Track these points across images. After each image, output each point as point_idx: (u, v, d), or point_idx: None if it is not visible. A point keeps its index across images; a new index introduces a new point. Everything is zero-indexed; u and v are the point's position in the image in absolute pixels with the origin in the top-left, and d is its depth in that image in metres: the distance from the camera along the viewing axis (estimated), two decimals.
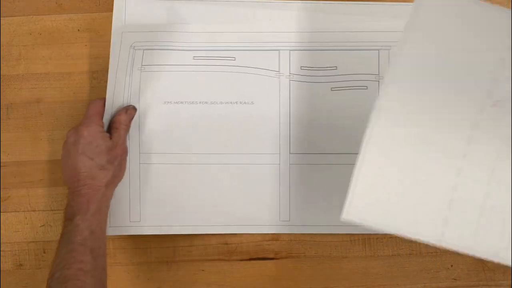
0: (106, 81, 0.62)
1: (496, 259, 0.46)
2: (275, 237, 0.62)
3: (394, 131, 0.46)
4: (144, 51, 0.62)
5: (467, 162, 0.47)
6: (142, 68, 0.62)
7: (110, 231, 0.61)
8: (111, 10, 0.62)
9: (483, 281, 0.62)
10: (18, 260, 0.63)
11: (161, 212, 0.61)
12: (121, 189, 0.61)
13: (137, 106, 0.61)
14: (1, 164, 0.63)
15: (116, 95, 0.61)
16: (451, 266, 0.62)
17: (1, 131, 0.63)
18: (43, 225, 0.63)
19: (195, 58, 0.62)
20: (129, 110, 0.60)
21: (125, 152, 0.59)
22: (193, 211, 0.61)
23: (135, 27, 0.62)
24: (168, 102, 0.61)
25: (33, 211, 0.63)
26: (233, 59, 0.62)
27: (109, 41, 0.62)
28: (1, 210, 0.63)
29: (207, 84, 0.61)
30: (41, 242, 0.63)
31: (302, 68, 0.62)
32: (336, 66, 0.61)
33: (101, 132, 0.57)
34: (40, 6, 0.63)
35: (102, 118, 0.59)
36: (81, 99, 0.63)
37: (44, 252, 0.63)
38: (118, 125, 0.59)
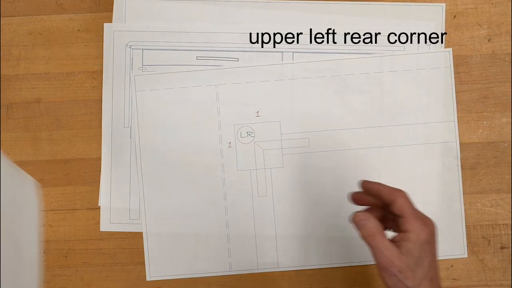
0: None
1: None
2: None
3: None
4: (144, 50, 0.62)
5: (228, 201, 0.61)
6: (143, 68, 0.62)
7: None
8: (111, 10, 0.62)
9: (483, 281, 0.62)
10: None
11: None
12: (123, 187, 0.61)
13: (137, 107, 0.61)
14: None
15: (115, 93, 0.62)
16: (451, 266, 0.62)
17: (1, 131, 0.63)
18: (43, 225, 0.63)
19: (198, 58, 0.62)
20: None
21: None
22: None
23: (132, 26, 0.62)
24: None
25: None
26: (236, 60, 0.62)
27: None
28: None
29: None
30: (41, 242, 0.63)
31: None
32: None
33: None
34: (40, 6, 0.63)
35: None
36: (81, 99, 0.63)
37: (44, 252, 0.63)
38: None
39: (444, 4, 0.62)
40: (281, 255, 0.61)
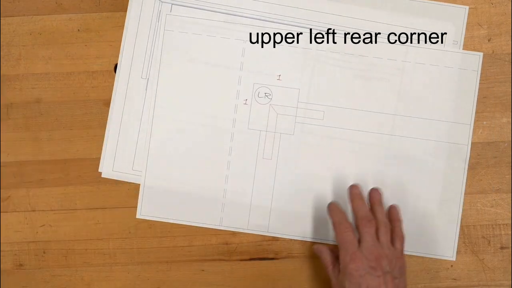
0: (106, 81, 0.63)
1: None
2: (275, 237, 0.62)
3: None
4: (173, 5, 0.62)
5: (231, 156, 0.61)
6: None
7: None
8: (111, 10, 0.63)
9: (483, 281, 0.62)
10: (18, 260, 0.63)
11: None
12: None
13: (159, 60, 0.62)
14: (1, 164, 0.63)
15: (138, 44, 0.62)
16: (451, 266, 0.62)
17: (1, 131, 0.63)
18: (43, 225, 0.63)
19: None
20: None
21: None
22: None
23: None
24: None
25: (33, 211, 0.63)
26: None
27: (109, 41, 0.62)
28: (1, 210, 0.63)
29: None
30: (41, 242, 0.63)
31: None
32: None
33: None
34: (40, 6, 0.63)
35: None
36: (81, 99, 0.63)
37: (44, 252, 0.63)
38: None
39: (467, 7, 0.62)
40: (273, 220, 0.62)
